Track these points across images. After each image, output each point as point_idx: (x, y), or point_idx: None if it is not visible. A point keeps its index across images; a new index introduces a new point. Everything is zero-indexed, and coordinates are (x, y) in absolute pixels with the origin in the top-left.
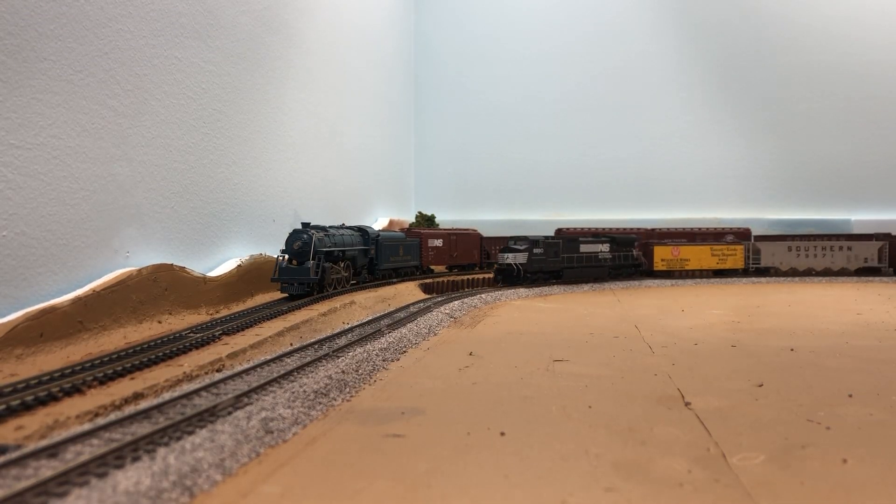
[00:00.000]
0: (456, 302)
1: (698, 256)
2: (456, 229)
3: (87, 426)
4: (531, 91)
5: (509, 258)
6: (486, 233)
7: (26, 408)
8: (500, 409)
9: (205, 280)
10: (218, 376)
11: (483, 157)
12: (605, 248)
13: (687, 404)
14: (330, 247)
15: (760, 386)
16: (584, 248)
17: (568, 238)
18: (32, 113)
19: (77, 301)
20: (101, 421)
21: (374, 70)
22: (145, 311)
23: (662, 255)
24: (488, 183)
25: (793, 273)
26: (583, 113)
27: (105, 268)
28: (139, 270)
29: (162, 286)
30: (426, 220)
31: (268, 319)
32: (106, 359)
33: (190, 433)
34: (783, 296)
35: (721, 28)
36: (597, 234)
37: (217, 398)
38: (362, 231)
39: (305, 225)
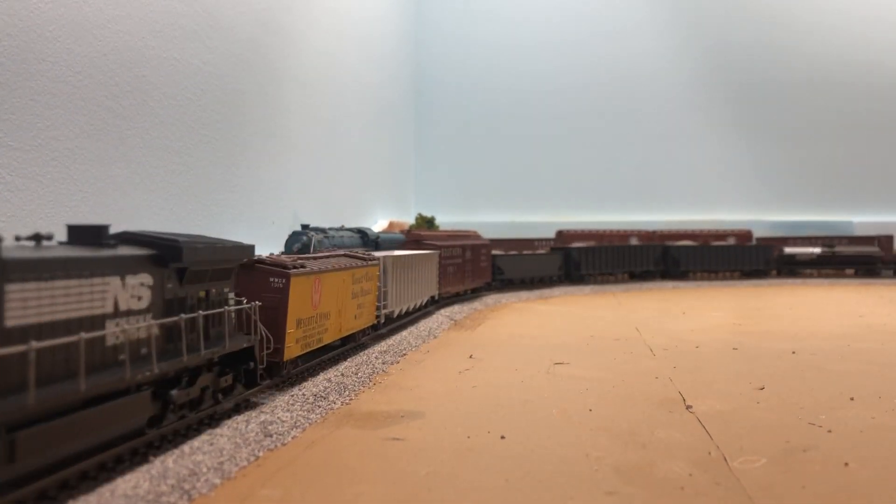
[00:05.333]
0: (456, 305)
1: (341, 304)
2: (457, 231)
3: None
4: (532, 92)
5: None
6: (486, 235)
7: None
8: (500, 413)
9: None
10: None
11: (484, 159)
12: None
13: (688, 407)
14: (330, 248)
15: (762, 389)
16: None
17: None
18: (31, 114)
19: None
20: None
21: (375, 71)
22: None
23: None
24: (489, 184)
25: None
26: (584, 114)
27: None
28: None
29: None
30: (426, 222)
31: None
32: None
33: (189, 436)
34: (784, 298)
35: (723, 30)
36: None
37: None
38: (362, 233)
39: (305, 226)
